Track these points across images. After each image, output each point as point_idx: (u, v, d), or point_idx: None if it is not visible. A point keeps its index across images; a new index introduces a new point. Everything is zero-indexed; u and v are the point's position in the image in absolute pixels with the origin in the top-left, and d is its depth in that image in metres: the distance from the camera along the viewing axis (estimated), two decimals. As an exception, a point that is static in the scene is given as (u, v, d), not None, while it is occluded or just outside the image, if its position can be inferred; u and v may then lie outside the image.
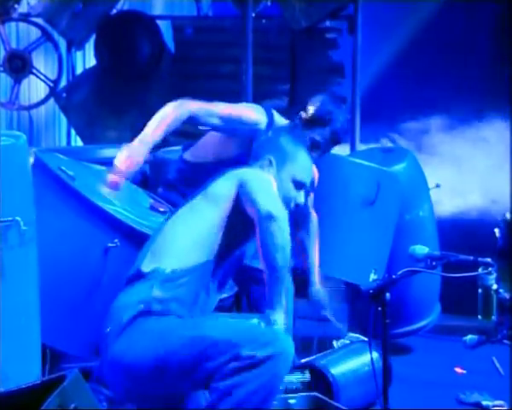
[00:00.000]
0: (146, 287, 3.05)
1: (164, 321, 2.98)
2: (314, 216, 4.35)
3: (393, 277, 3.11)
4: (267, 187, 3.16)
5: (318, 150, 4.11)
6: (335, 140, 4.24)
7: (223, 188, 3.18)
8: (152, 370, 2.92)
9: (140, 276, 3.09)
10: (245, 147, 4.09)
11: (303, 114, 4.16)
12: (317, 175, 4.19)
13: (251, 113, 4.11)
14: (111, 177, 3.73)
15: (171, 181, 4.29)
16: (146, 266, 3.10)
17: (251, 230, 3.10)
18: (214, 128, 4.12)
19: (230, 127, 4.08)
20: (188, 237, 3.11)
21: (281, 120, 4.20)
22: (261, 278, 3.19)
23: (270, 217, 3.01)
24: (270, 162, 3.36)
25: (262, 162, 3.37)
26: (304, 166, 3.42)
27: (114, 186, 3.73)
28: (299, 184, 3.37)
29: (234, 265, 3.19)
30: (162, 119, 3.88)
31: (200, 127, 4.13)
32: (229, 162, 3.86)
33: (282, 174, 3.33)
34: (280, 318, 3.04)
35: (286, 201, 3.28)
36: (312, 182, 3.84)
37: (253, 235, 3.11)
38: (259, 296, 4.33)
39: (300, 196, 3.35)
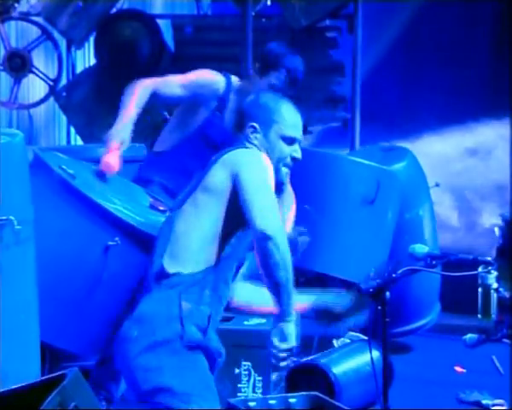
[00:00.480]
0: (174, 295, 3.03)
1: (188, 359, 3.00)
2: (289, 188, 4.39)
3: (393, 276, 3.10)
4: (262, 186, 3.06)
5: (278, 93, 4.18)
6: (292, 80, 4.29)
7: (218, 180, 3.11)
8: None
9: (165, 276, 3.07)
10: (207, 112, 4.27)
11: (256, 64, 4.34)
12: None
13: (206, 73, 4.31)
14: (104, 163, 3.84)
15: (147, 177, 4.37)
16: (169, 266, 3.08)
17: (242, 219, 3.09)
18: (177, 100, 4.26)
19: (190, 92, 4.23)
20: (199, 236, 3.08)
21: (237, 82, 4.34)
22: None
23: (265, 237, 2.96)
24: (255, 129, 3.19)
25: (246, 132, 3.20)
26: (290, 119, 3.22)
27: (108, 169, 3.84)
28: (289, 140, 3.19)
29: (246, 247, 3.17)
30: (129, 99, 4.07)
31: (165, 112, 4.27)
32: (194, 137, 4.04)
33: (269, 136, 3.18)
34: (292, 329, 3.04)
35: (281, 160, 3.18)
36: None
37: None
38: None
39: (296, 151, 3.21)
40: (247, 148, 3.19)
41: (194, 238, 3.09)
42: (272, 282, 3.01)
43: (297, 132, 3.21)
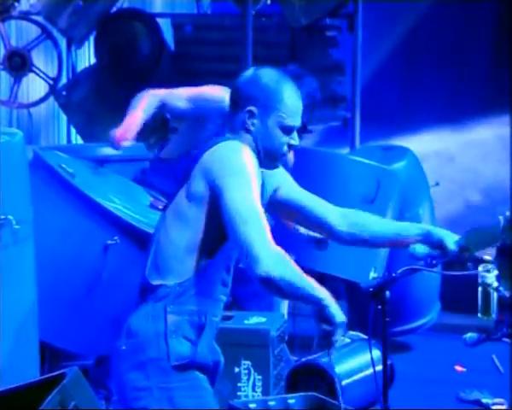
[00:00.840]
0: (159, 308, 2.88)
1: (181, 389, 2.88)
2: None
3: (393, 275, 3.10)
4: (243, 204, 2.75)
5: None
6: (311, 100, 4.40)
7: (197, 187, 2.87)
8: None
9: (149, 289, 2.93)
10: (214, 127, 4.21)
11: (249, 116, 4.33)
12: None
13: (214, 90, 4.29)
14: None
15: (151, 181, 4.37)
16: (153, 279, 2.93)
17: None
18: (183, 113, 4.27)
19: (196, 108, 4.24)
20: (180, 245, 2.89)
21: None
22: (248, 276, 3.17)
23: (265, 282, 2.72)
24: (252, 114, 2.87)
25: (242, 116, 2.88)
26: (292, 106, 2.91)
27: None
28: (289, 129, 2.89)
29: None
30: (137, 104, 4.11)
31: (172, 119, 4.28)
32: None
33: (268, 122, 2.87)
34: (332, 308, 2.77)
35: (277, 148, 2.90)
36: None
37: None
38: (246, 297, 4.37)
39: (294, 138, 2.91)
40: (228, 139, 2.90)
41: (175, 248, 2.90)
42: (294, 299, 2.91)
43: (297, 121, 2.92)
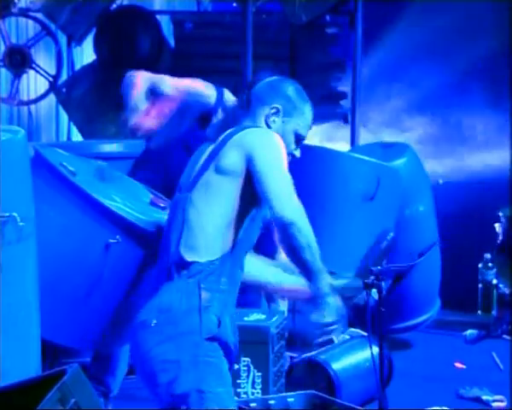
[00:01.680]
0: (193, 284, 3.00)
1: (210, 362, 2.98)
2: None
3: (390, 267, 3.12)
4: (277, 168, 3.01)
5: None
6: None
7: (232, 162, 3.04)
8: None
9: (183, 264, 3.03)
10: (192, 123, 4.31)
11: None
12: None
13: (200, 85, 4.35)
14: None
15: (140, 176, 4.36)
16: (187, 255, 3.03)
17: (257, 201, 3.06)
18: (167, 99, 4.28)
19: (180, 97, 4.27)
20: (215, 222, 3.03)
21: (231, 98, 4.33)
22: (247, 286, 3.24)
23: (286, 223, 2.94)
24: (277, 111, 3.16)
25: (269, 109, 3.16)
26: (308, 120, 3.24)
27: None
28: (299, 138, 3.21)
29: (258, 229, 3.17)
30: (131, 92, 4.20)
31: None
32: (177, 145, 4.13)
33: (287, 126, 3.17)
34: (331, 303, 2.98)
35: (286, 151, 3.16)
36: None
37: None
38: (244, 305, 4.39)
39: (297, 151, 3.22)
40: (258, 127, 3.14)
41: (209, 225, 3.04)
42: (300, 264, 2.98)
43: (306, 134, 3.24)
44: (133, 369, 3.28)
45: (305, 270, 3.01)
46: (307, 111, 3.22)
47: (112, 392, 3.87)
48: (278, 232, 2.98)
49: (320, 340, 3.08)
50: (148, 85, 4.26)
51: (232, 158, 3.05)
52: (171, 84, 4.30)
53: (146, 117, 4.16)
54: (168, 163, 4.35)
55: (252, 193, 3.03)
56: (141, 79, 4.26)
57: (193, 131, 4.31)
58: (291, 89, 3.22)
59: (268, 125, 3.14)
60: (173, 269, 3.05)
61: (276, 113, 3.16)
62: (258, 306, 4.54)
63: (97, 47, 7.08)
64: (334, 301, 3.00)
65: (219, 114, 4.28)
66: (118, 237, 3.58)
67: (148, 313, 3.02)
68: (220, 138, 3.14)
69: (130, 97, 4.19)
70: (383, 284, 3.08)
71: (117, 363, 3.86)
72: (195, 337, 2.96)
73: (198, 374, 2.94)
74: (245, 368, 4.02)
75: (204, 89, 4.34)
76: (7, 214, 3.13)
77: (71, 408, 2.41)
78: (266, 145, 3.06)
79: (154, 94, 4.28)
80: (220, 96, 4.32)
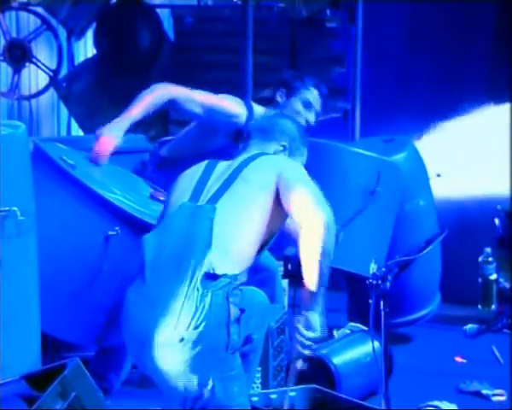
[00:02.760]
0: (222, 297, 2.93)
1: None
2: None
3: (388, 263, 3.12)
4: (314, 187, 3.12)
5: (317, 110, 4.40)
6: (322, 95, 4.42)
7: (263, 176, 3.11)
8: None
9: (213, 276, 2.96)
10: (224, 140, 4.14)
11: (279, 93, 4.35)
12: None
13: (231, 104, 4.18)
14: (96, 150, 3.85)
15: (151, 177, 4.29)
16: (218, 266, 2.96)
17: (281, 221, 3.12)
18: (193, 116, 4.17)
19: (209, 116, 4.13)
20: (244, 234, 3.03)
21: (260, 111, 4.25)
22: (254, 266, 3.22)
23: (323, 225, 2.98)
24: (285, 148, 3.38)
25: (278, 145, 3.37)
26: (304, 161, 3.48)
27: (99, 159, 3.83)
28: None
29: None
30: (143, 98, 3.99)
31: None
32: (207, 156, 3.97)
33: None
34: (318, 319, 3.02)
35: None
36: None
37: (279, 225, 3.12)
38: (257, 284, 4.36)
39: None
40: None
41: (243, 238, 3.03)
42: (313, 269, 2.98)
43: None
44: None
45: (314, 277, 2.98)
46: (305, 153, 3.46)
47: (114, 388, 3.84)
48: (308, 231, 2.96)
49: (299, 348, 3.07)
50: (168, 98, 4.06)
51: (262, 172, 3.13)
52: (199, 102, 4.11)
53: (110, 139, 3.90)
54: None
55: (279, 214, 3.06)
56: (160, 91, 4.05)
57: (226, 150, 4.10)
58: (296, 130, 3.44)
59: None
60: (199, 279, 2.94)
61: (284, 150, 3.36)
62: (272, 284, 4.48)
63: (97, 41, 7.07)
64: (319, 320, 3.01)
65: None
66: (117, 229, 3.58)
67: (172, 330, 2.90)
68: (239, 160, 3.19)
69: (134, 101, 4.00)
70: (388, 283, 3.08)
71: (121, 360, 3.82)
72: (221, 353, 2.92)
73: (225, 390, 2.93)
74: (245, 362, 4.01)
75: (233, 108, 4.17)
76: (7, 209, 3.13)
77: (71, 402, 2.42)
78: (295, 163, 3.26)
79: (178, 108, 4.13)
80: (250, 112, 4.19)
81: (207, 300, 2.91)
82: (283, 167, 3.14)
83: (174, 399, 2.98)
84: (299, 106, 4.27)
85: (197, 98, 4.12)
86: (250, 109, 4.20)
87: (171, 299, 2.93)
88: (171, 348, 2.89)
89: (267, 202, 3.06)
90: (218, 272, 2.95)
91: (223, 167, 3.19)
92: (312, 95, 4.36)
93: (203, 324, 2.89)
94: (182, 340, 2.88)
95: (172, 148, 4.39)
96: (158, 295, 2.98)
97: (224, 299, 2.92)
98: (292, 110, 4.21)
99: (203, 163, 3.26)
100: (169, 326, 2.90)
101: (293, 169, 3.17)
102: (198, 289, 2.92)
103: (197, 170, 3.22)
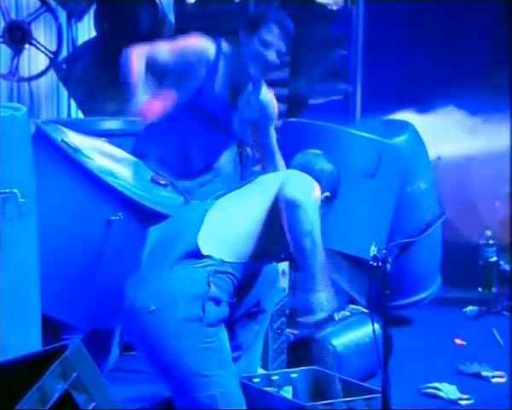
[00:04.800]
0: (201, 274, 3.01)
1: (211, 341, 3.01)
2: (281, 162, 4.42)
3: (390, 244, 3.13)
4: (303, 183, 3.16)
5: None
6: (284, 32, 4.24)
7: (270, 178, 3.26)
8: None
9: (197, 256, 3.05)
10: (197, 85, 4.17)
11: (243, 26, 4.27)
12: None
13: (194, 40, 4.20)
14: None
15: (142, 150, 4.26)
16: (203, 247, 3.06)
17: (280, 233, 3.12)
18: (165, 66, 4.17)
19: (179, 60, 4.14)
20: (239, 226, 3.10)
21: (228, 48, 4.22)
22: None
23: (294, 204, 3.01)
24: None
25: None
26: None
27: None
28: None
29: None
30: (129, 71, 4.05)
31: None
32: (187, 108, 4.10)
33: None
34: (320, 299, 3.05)
35: None
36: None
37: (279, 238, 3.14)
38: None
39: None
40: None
41: (231, 224, 3.09)
42: (298, 248, 3.01)
43: None
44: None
45: (302, 257, 3.01)
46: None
47: (103, 372, 3.84)
48: (284, 212, 2.98)
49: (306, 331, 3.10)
50: (145, 62, 4.10)
51: (270, 176, 3.32)
52: (166, 49, 4.15)
53: (153, 99, 4.02)
54: (181, 131, 4.20)
55: (279, 213, 3.07)
56: (136, 59, 4.09)
57: (200, 91, 4.16)
58: None
59: None
60: (183, 258, 3.04)
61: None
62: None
63: (97, 23, 7.05)
64: (321, 300, 3.02)
65: (221, 67, 4.17)
66: (119, 213, 3.58)
67: (146, 300, 3.01)
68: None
69: (130, 81, 4.03)
70: (388, 265, 3.08)
71: (109, 344, 3.84)
72: (195, 325, 2.96)
73: (199, 360, 2.96)
74: (245, 345, 4.01)
75: (201, 43, 4.19)
76: (8, 191, 3.13)
77: (72, 382, 2.42)
78: (302, 176, 3.26)
79: (153, 69, 4.14)
80: (219, 47, 4.19)
81: (185, 274, 3.00)
82: (289, 173, 3.23)
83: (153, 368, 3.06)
84: (257, 45, 4.13)
85: (163, 46, 4.18)
86: (218, 43, 4.21)
87: (157, 276, 3.05)
88: (145, 316, 2.99)
89: (269, 199, 3.12)
90: (204, 252, 3.02)
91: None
92: (272, 33, 4.18)
93: (178, 295, 2.97)
94: (153, 309, 2.98)
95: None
96: (148, 274, 3.11)
97: (204, 277, 2.99)
98: (252, 50, 4.13)
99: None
100: (143, 296, 3.02)
101: (295, 173, 3.24)
102: (181, 267, 3.02)
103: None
